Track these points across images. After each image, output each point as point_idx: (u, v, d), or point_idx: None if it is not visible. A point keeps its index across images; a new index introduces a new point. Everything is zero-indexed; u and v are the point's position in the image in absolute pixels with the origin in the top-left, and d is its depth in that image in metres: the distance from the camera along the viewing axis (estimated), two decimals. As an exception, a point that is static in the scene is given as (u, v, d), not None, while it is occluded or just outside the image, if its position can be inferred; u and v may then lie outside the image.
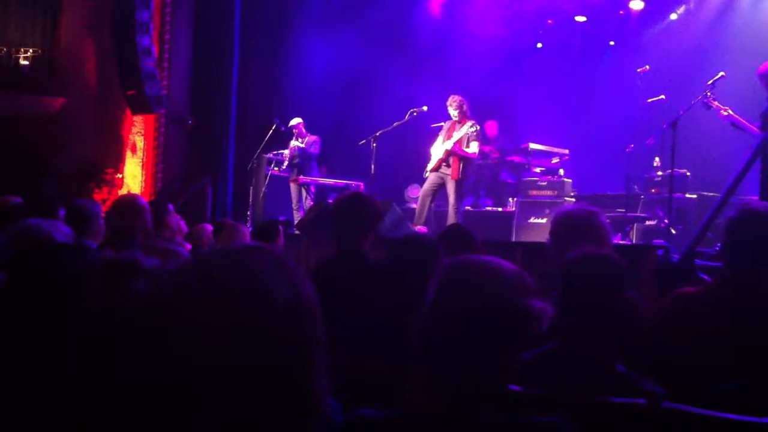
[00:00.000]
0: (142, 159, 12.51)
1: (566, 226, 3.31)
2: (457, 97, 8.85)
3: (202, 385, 0.95)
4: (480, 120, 9.16)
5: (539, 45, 13.50)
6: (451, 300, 1.66)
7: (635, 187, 9.86)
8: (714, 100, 7.65)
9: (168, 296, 1.00)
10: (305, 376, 1.04)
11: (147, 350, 0.96)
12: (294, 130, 11.10)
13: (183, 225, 6.56)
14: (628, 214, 9.05)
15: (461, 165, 8.63)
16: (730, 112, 7.51)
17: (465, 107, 8.83)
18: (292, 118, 11.30)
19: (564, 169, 10.48)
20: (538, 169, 10.65)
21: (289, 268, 1.06)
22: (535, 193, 9.81)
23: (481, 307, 1.62)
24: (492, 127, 11.94)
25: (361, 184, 10.46)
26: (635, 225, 9.21)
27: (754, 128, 7.13)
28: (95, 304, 1.87)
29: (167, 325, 0.96)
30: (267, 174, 11.23)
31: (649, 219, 9.33)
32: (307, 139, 11.02)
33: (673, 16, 12.26)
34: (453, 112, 8.82)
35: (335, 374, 1.19)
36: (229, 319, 0.97)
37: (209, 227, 7.32)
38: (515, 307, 1.63)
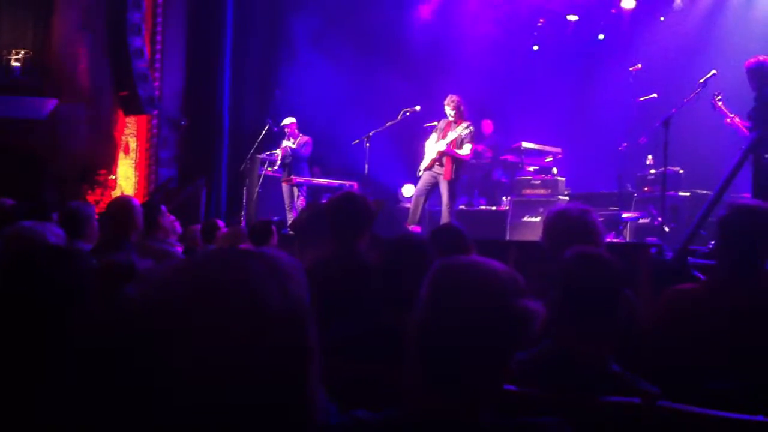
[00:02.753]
0: (135, 160, 12.49)
1: (559, 225, 3.31)
2: (455, 97, 8.82)
3: (194, 389, 0.95)
4: (476, 119, 9.14)
5: (535, 47, 13.50)
6: (443, 302, 1.65)
7: (628, 185, 9.88)
8: (720, 101, 7.67)
9: (158, 301, 1.00)
10: (298, 380, 1.04)
11: (139, 355, 0.95)
12: (286, 130, 11.05)
13: (177, 226, 6.55)
14: (622, 212, 9.06)
15: (454, 166, 8.62)
16: (737, 120, 7.53)
17: (462, 108, 8.80)
18: (284, 118, 11.27)
19: (557, 168, 10.50)
20: (531, 168, 10.66)
21: (281, 272, 1.06)
22: (528, 191, 9.82)
23: (474, 309, 1.62)
24: (488, 126, 11.98)
25: (355, 184, 10.46)
26: (628, 223, 9.23)
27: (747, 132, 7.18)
28: (91, 307, 1.87)
29: (158, 330, 0.96)
30: (260, 174, 11.21)
31: (642, 217, 9.35)
32: (299, 139, 10.98)
33: (665, 15, 12.28)
34: (450, 112, 8.79)
35: (330, 376, 1.18)
36: (219, 324, 0.97)
37: (198, 227, 7.32)
38: (508, 308, 1.63)
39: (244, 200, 11.17)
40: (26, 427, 1.70)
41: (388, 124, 9.62)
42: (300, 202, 10.47)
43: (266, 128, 11.17)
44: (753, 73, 7.08)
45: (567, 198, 9.58)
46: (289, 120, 11.10)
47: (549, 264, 2.75)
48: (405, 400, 1.65)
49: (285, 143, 10.99)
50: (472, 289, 1.64)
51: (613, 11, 12.55)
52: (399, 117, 9.48)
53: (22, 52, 12.35)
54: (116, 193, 11.52)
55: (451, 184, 8.63)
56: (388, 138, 10.32)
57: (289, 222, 9.89)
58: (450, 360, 1.61)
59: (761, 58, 7.11)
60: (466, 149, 8.66)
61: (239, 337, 0.97)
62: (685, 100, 7.66)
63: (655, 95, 8.88)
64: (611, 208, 9.20)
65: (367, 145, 9.30)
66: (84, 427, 1.00)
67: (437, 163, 8.73)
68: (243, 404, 0.96)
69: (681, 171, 9.58)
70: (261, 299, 1.00)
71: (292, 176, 10.72)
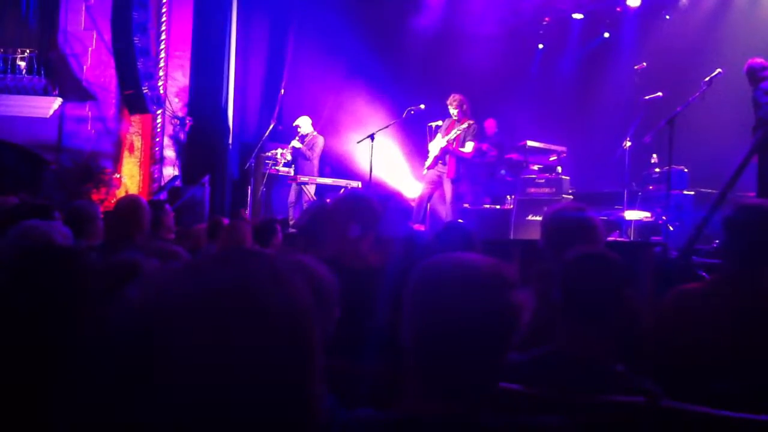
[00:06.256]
0: (140, 159, 12.52)
1: (555, 225, 3.30)
2: (457, 96, 8.84)
3: (196, 388, 0.95)
4: (480, 117, 9.15)
5: (540, 46, 13.49)
6: (427, 303, 1.65)
7: (633, 184, 9.85)
8: None
9: (160, 302, 1.00)
10: (299, 380, 1.04)
11: (140, 354, 0.96)
12: (299, 129, 10.99)
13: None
14: (626, 211, 9.05)
15: (457, 164, 8.64)
16: None
17: (465, 106, 8.82)
18: (289, 116, 11.26)
19: (562, 167, 10.47)
20: (536, 167, 10.63)
21: (284, 275, 1.06)
22: (533, 190, 9.79)
23: (458, 306, 1.61)
24: (491, 125, 11.97)
25: (360, 183, 10.46)
26: (632, 222, 9.21)
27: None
28: (96, 307, 1.87)
29: (159, 330, 0.97)
30: (265, 173, 11.21)
31: (646, 216, 9.33)
32: (308, 138, 10.90)
33: (670, 14, 12.24)
34: (453, 111, 8.82)
35: (334, 376, 1.19)
36: (220, 324, 0.98)
37: (203, 226, 7.33)
38: (491, 302, 1.62)
39: (249, 199, 11.17)
40: (30, 427, 1.71)
41: (392, 122, 9.63)
42: (306, 202, 10.46)
43: (271, 126, 11.16)
44: (746, 75, 7.23)
45: (571, 197, 9.55)
46: (299, 120, 11.03)
47: (548, 265, 2.75)
48: (405, 400, 1.65)
49: (292, 142, 10.96)
50: (453, 287, 1.64)
51: (618, 9, 12.52)
52: (403, 115, 9.49)
53: (28, 51, 12.39)
54: (121, 192, 11.55)
55: (455, 183, 8.65)
56: (392, 137, 10.31)
57: (293, 221, 9.90)
58: (443, 358, 1.61)
59: (752, 61, 7.21)
60: (468, 147, 8.68)
61: (240, 337, 0.97)
62: (690, 99, 7.64)
63: (660, 94, 8.85)
64: (616, 206, 9.17)
65: (372, 143, 9.30)
66: (87, 426, 1.00)
67: (440, 161, 8.75)
68: (244, 404, 0.97)
69: (686, 170, 9.55)
70: (262, 300, 1.01)
71: (297, 175, 10.71)
